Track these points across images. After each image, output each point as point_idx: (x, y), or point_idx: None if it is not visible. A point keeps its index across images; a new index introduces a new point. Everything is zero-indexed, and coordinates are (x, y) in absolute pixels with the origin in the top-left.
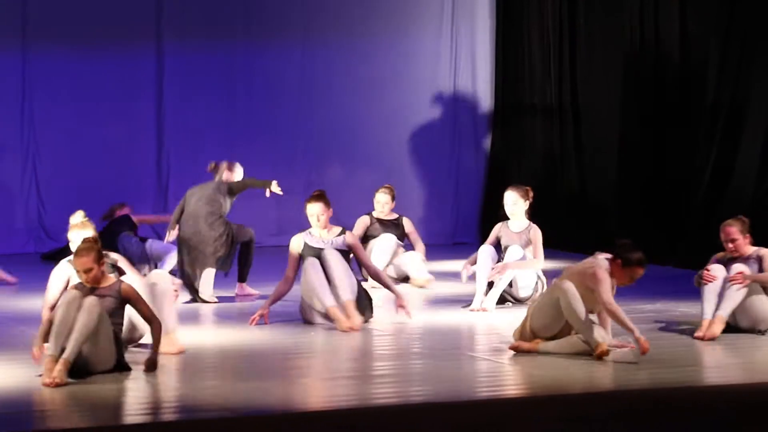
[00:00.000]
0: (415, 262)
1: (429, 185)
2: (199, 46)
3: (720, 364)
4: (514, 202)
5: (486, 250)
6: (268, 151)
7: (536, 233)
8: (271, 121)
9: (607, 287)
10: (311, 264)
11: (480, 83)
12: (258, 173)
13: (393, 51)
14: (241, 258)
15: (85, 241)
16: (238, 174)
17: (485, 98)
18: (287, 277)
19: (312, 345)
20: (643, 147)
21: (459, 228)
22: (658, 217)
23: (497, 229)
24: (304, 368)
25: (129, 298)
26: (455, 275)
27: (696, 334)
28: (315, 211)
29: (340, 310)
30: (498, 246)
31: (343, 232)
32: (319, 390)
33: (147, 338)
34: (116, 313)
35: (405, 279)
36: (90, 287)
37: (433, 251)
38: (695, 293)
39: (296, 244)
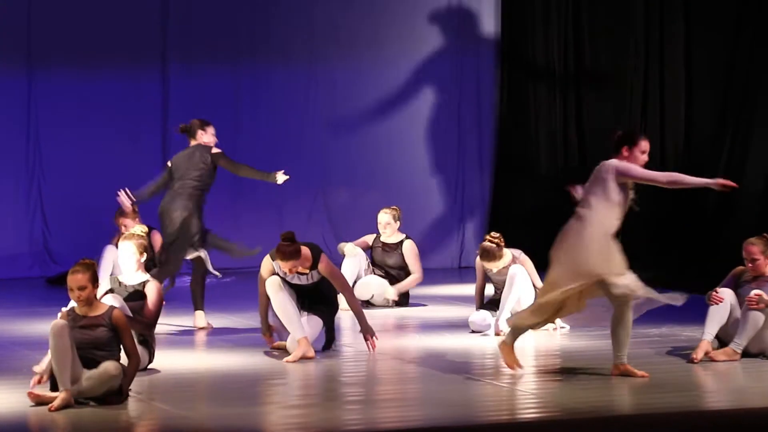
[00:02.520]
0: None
1: (434, 209)
2: (204, 68)
3: (723, 389)
4: (496, 266)
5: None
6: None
7: (527, 261)
8: (276, 143)
9: (636, 168)
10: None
11: (485, 106)
12: (263, 195)
13: (397, 73)
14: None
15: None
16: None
17: (490, 120)
18: (263, 294)
19: (314, 370)
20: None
21: (465, 252)
22: (664, 243)
23: (480, 266)
24: (307, 394)
25: (118, 326)
26: (461, 299)
27: (692, 356)
28: (285, 267)
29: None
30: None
31: (315, 266)
32: (322, 415)
33: (152, 364)
34: (112, 343)
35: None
36: (81, 315)
37: (439, 275)
38: (700, 319)
39: (268, 269)
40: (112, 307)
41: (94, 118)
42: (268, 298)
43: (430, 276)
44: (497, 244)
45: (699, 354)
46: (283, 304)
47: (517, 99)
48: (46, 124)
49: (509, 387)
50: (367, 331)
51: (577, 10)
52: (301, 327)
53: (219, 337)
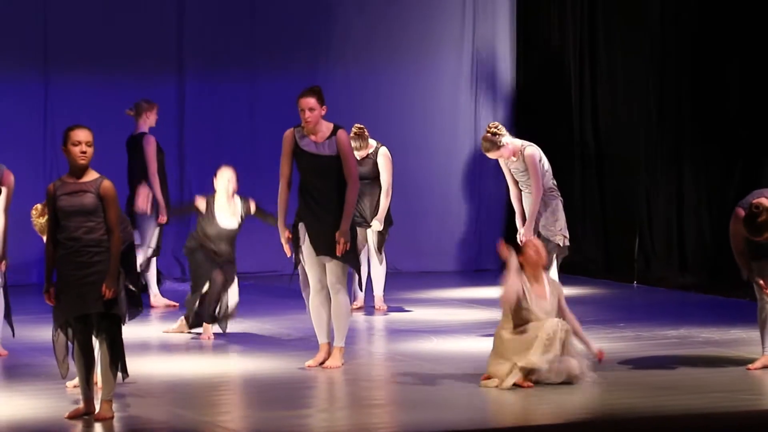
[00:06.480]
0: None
1: (451, 211)
2: (221, 73)
3: (752, 389)
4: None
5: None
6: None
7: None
8: None
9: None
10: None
11: (500, 111)
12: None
13: (413, 77)
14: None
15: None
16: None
17: (506, 125)
18: (284, 175)
19: (327, 373)
20: (668, 178)
21: (482, 255)
22: (683, 250)
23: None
24: (323, 397)
25: (106, 196)
26: (477, 302)
27: (748, 366)
28: (305, 105)
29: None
30: None
31: (334, 133)
32: (340, 419)
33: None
34: (99, 211)
35: None
36: (69, 182)
37: (456, 278)
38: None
39: (289, 139)
40: (102, 177)
41: (110, 123)
42: (288, 189)
43: (447, 279)
44: (494, 133)
45: (757, 365)
46: (317, 310)
47: (534, 102)
48: (62, 129)
49: (528, 391)
50: (343, 235)
51: (593, 12)
52: (326, 333)
53: (235, 342)
